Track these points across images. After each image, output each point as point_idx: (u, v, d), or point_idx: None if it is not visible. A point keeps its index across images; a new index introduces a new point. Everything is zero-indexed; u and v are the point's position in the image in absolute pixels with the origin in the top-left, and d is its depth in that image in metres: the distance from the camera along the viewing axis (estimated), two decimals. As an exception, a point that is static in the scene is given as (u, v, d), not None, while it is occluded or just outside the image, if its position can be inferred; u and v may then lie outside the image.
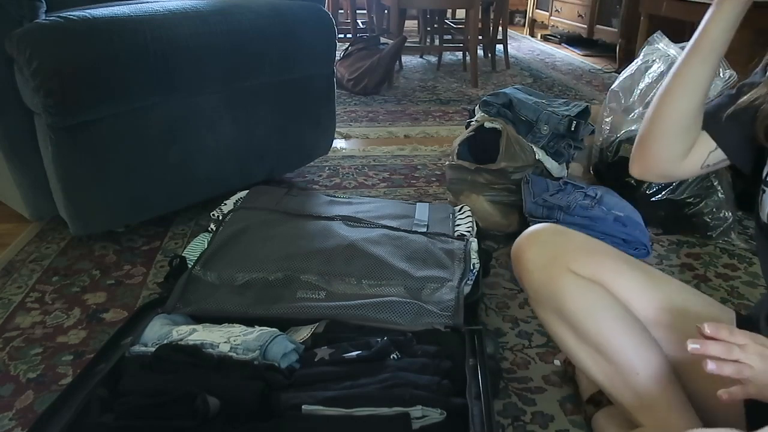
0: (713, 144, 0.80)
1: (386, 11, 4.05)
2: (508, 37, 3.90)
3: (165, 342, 0.94)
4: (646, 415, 0.78)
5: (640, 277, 0.82)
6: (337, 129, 2.03)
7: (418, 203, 1.53)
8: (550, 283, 0.81)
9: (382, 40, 3.50)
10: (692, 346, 0.61)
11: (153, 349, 0.92)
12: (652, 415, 0.77)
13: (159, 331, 0.97)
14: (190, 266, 1.22)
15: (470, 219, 1.41)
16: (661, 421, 0.77)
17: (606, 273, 0.80)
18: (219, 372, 0.88)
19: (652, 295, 0.80)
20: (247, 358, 0.90)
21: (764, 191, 0.73)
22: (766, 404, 0.66)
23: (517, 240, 0.88)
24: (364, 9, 4.40)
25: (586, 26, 4.23)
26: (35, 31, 1.22)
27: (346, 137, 2.43)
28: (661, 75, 1.70)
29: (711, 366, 0.60)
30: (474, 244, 1.29)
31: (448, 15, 4.62)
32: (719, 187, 1.55)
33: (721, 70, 1.39)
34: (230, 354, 0.91)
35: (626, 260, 0.84)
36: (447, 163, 1.72)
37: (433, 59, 4.03)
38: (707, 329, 0.61)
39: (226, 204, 1.47)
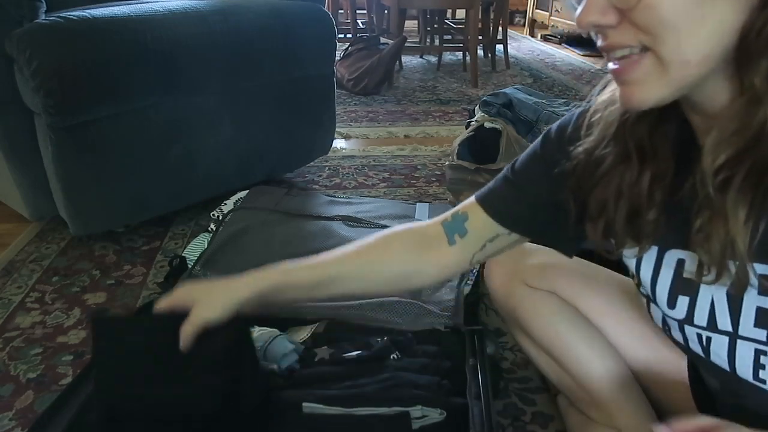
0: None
1: (386, 11, 4.06)
2: (508, 37, 3.90)
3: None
4: (596, 411, 0.81)
5: (593, 285, 0.84)
6: (337, 129, 2.03)
7: (418, 203, 1.53)
8: (509, 298, 0.87)
9: (382, 40, 3.51)
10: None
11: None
12: (601, 412, 0.80)
13: (159, 331, 0.97)
14: (190, 266, 1.22)
15: (470, 219, 1.41)
16: (608, 418, 0.79)
17: (557, 283, 0.84)
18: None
19: (605, 306, 0.83)
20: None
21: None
22: (720, 406, 0.66)
23: (486, 263, 0.94)
24: (364, 9, 4.41)
25: (586, 26, 4.23)
26: (35, 31, 1.22)
27: (346, 137, 2.42)
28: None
29: None
30: (474, 244, 1.28)
31: (448, 15, 4.62)
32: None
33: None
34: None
35: (583, 272, 0.86)
36: (447, 163, 1.72)
37: (433, 59, 4.03)
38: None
39: (226, 204, 1.47)
